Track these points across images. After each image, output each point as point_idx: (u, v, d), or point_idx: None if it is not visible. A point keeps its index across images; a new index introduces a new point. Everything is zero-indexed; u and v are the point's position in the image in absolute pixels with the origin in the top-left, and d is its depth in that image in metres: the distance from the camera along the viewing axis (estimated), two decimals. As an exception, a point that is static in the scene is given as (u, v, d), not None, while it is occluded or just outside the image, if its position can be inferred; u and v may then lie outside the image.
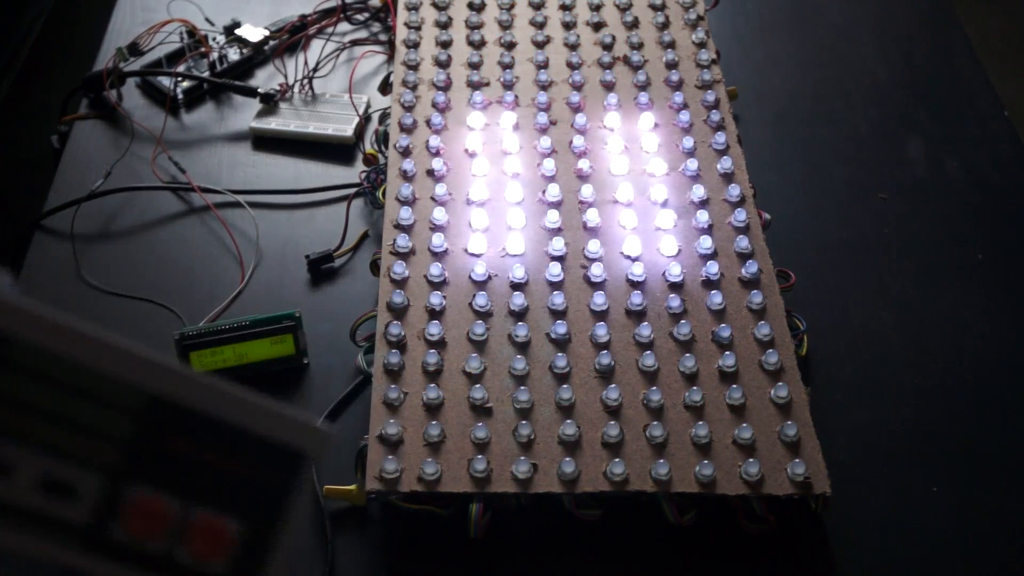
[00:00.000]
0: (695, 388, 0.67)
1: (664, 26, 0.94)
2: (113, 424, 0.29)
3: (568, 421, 0.65)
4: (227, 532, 0.29)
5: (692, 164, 0.81)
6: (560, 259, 0.75)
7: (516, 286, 0.73)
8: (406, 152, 0.82)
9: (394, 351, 0.69)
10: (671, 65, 0.90)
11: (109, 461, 0.29)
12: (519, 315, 0.71)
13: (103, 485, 0.29)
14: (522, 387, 0.67)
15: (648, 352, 0.69)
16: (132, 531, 0.29)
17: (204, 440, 0.30)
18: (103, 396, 0.29)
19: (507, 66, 0.90)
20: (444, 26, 0.93)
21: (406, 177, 0.80)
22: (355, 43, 0.99)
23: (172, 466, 0.29)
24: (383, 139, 0.85)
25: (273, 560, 0.30)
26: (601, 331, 0.70)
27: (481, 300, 0.72)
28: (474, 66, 0.90)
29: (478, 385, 0.67)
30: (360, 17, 1.01)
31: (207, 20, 0.99)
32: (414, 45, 0.91)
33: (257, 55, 0.97)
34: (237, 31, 0.97)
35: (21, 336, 0.29)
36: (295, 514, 0.30)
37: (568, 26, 0.94)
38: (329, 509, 0.65)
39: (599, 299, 0.72)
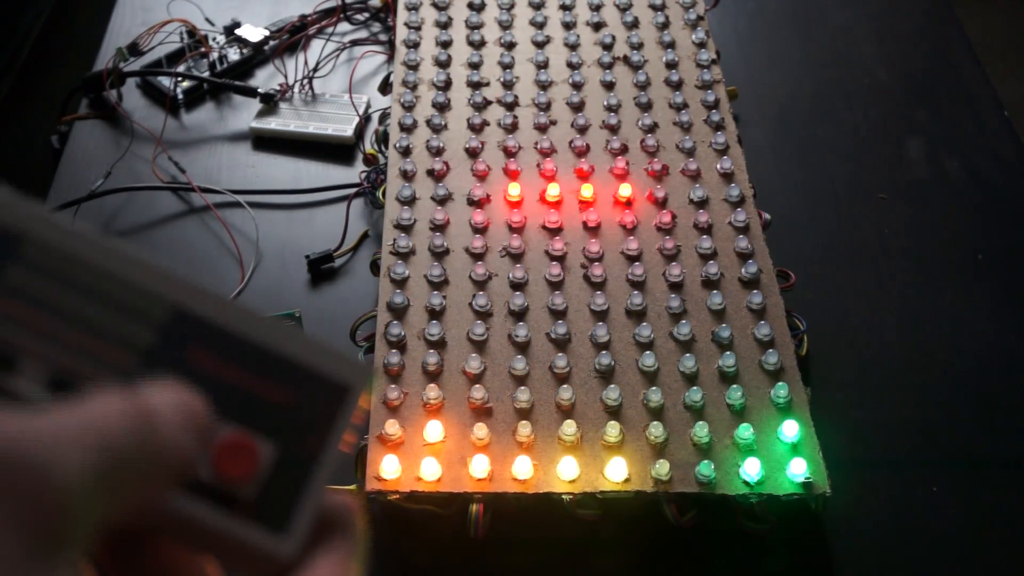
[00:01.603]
0: (695, 388, 0.67)
1: (664, 26, 0.94)
2: (131, 331, 0.29)
3: (568, 421, 0.65)
4: (256, 454, 0.28)
5: (692, 164, 0.81)
6: (560, 259, 0.75)
7: (516, 286, 0.73)
8: (406, 152, 0.82)
9: (394, 351, 0.69)
10: (671, 65, 0.90)
11: (123, 366, 0.28)
12: (519, 315, 0.71)
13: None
14: (522, 387, 0.67)
15: (648, 352, 0.69)
16: None
17: (234, 360, 0.29)
18: (123, 303, 0.29)
19: (507, 66, 0.90)
20: (444, 26, 0.93)
21: (406, 177, 0.80)
22: (355, 43, 0.99)
23: (196, 381, 0.29)
24: (383, 139, 0.85)
25: (307, 490, 0.29)
26: (601, 331, 0.70)
27: (481, 300, 0.72)
28: (474, 66, 0.90)
29: (478, 385, 0.67)
30: (360, 17, 1.01)
31: (207, 20, 0.99)
32: (414, 45, 0.91)
33: (257, 55, 0.97)
34: (237, 31, 0.97)
35: (36, 235, 0.28)
36: (333, 445, 0.29)
37: (568, 26, 0.94)
38: (329, 509, 0.65)
39: (599, 299, 0.72)
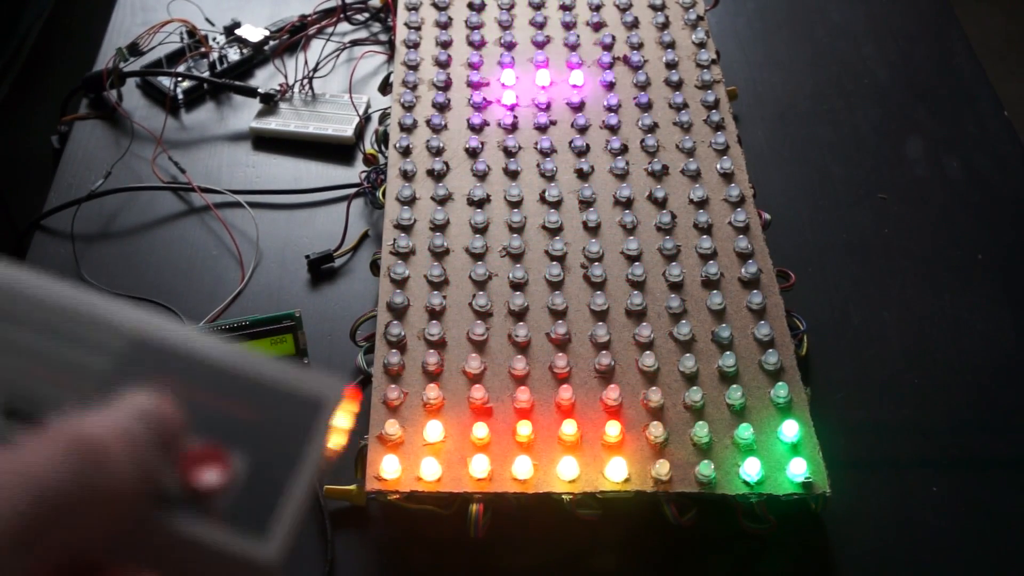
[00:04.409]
0: (695, 388, 0.67)
1: (664, 26, 0.94)
2: (90, 360, 0.29)
3: (568, 421, 0.65)
4: (226, 463, 0.28)
5: (692, 164, 0.81)
6: (560, 259, 0.75)
7: (516, 286, 0.73)
8: (406, 152, 0.82)
9: (394, 351, 0.69)
10: (671, 65, 0.90)
11: (81, 390, 0.28)
12: (519, 315, 0.71)
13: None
14: (522, 387, 0.67)
15: (648, 352, 0.69)
16: None
17: (198, 382, 0.29)
18: (79, 336, 0.29)
19: (507, 66, 0.90)
20: (444, 26, 0.93)
21: (406, 177, 0.80)
22: (355, 43, 0.99)
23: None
24: (383, 139, 0.85)
25: (286, 494, 0.28)
26: (601, 331, 0.70)
27: (481, 300, 0.72)
28: (474, 66, 0.90)
29: (478, 385, 0.67)
30: (360, 17, 1.01)
31: (207, 20, 0.99)
32: (414, 45, 0.91)
33: (257, 55, 0.97)
34: (237, 31, 0.97)
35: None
36: (310, 452, 0.29)
37: (568, 26, 0.94)
38: (329, 509, 0.65)
39: (599, 299, 0.72)
